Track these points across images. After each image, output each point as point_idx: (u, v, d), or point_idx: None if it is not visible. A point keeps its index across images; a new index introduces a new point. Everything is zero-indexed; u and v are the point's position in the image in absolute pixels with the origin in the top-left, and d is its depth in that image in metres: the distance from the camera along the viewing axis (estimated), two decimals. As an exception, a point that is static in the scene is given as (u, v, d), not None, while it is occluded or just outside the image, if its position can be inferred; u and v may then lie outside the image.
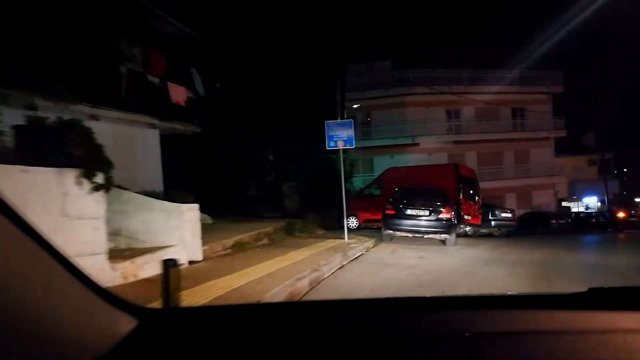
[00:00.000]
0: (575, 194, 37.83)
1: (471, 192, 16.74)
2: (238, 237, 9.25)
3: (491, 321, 1.29)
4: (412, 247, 11.65)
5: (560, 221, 27.69)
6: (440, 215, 11.74)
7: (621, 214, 30.04)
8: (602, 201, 37.82)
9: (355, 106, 31.16)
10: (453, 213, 11.97)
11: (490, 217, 18.25)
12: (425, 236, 12.19)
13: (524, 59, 30.67)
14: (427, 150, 31.72)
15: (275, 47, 32.72)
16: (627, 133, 42.23)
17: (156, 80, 12.30)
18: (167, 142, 13.34)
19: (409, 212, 11.94)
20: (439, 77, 31.79)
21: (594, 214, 32.46)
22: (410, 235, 12.17)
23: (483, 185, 32.10)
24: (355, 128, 35.33)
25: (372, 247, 11.14)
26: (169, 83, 12.54)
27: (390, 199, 12.52)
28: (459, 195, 15.37)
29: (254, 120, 21.61)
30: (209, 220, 11.79)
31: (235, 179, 17.92)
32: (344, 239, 11.29)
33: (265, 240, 10.45)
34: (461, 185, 15.74)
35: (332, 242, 10.70)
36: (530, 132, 33.57)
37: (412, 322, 1.29)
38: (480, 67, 32.50)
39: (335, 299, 4.38)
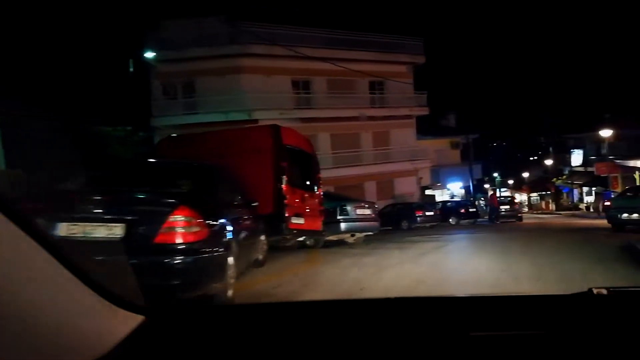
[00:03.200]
0: (439, 181, 34.19)
1: (305, 176, 10.06)
2: None
3: (493, 321, 1.29)
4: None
5: (428, 213, 22.88)
6: (161, 236, 3.88)
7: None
8: (466, 188, 34.83)
9: (148, 55, 22.23)
10: (212, 224, 4.21)
11: (339, 217, 11.43)
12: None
13: (383, 22, 26.13)
14: (269, 129, 24.84)
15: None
16: (489, 113, 40.25)
17: None
18: None
19: (62, 228, 3.79)
20: (284, 36, 25.17)
21: (462, 202, 28.73)
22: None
23: (338, 172, 26.92)
24: (174, 99, 27.33)
25: None
26: None
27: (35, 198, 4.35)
28: (281, 183, 8.72)
29: None
30: None
31: None
32: None
33: None
34: (284, 165, 8.89)
35: None
36: (391, 109, 29.31)
37: (414, 321, 1.29)
38: (336, 29, 26.97)
39: (334, 299, 4.11)
